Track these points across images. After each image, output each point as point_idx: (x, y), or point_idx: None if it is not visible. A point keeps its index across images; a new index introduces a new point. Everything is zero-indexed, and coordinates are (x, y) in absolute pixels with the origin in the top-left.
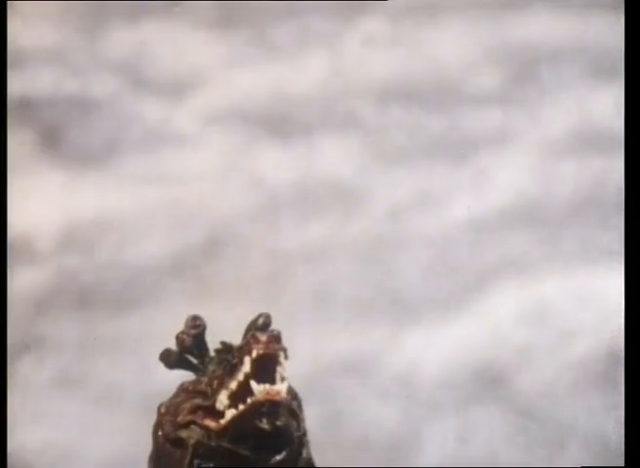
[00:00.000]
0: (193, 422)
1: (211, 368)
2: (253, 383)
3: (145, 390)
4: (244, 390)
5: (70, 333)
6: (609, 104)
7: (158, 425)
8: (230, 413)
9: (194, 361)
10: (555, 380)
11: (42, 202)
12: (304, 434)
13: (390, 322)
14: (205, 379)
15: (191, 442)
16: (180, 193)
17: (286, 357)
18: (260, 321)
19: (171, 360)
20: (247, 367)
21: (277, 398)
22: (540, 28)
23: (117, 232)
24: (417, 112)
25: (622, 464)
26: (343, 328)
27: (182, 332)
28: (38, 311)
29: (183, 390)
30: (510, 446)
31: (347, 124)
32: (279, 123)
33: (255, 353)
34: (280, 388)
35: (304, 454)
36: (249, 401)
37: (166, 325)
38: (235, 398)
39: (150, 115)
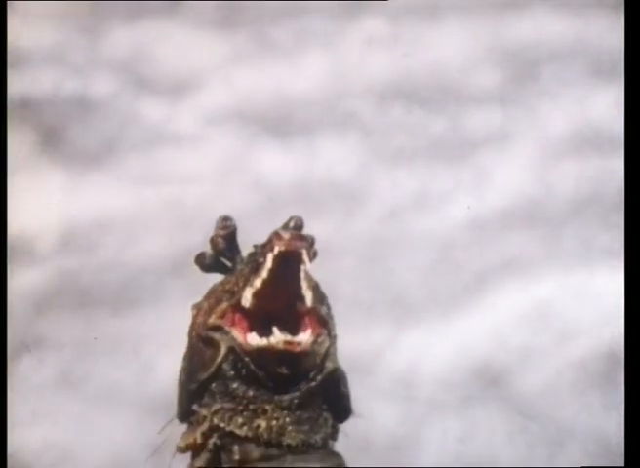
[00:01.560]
0: (221, 328)
1: (239, 267)
2: (275, 330)
3: (145, 390)
4: (269, 288)
5: (70, 333)
6: (609, 104)
7: (192, 326)
8: (255, 341)
9: (228, 264)
10: (555, 380)
11: (42, 202)
12: (334, 341)
13: (390, 322)
14: (233, 279)
15: (225, 345)
16: (179, 193)
17: (310, 255)
18: (292, 224)
19: (206, 262)
20: (269, 263)
21: (297, 349)
22: (540, 28)
23: (117, 232)
24: (417, 112)
25: (622, 464)
26: (343, 328)
27: (215, 235)
28: (38, 311)
29: (213, 291)
30: (510, 445)
31: (347, 124)
32: (279, 123)
33: (276, 249)
34: (301, 339)
35: (328, 364)
36: (272, 340)
37: (166, 325)
38: (260, 296)
39: (150, 115)
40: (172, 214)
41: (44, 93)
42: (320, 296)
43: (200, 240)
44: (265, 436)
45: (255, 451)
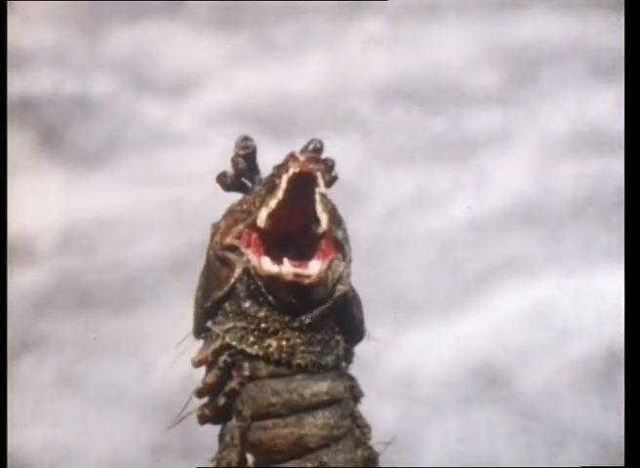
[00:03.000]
0: (237, 248)
1: (257, 188)
2: (286, 261)
3: (145, 390)
4: (284, 209)
5: (70, 333)
6: (609, 104)
7: (209, 244)
8: (267, 266)
9: (248, 183)
10: (555, 380)
11: (42, 202)
12: (348, 265)
13: (390, 322)
14: (250, 199)
15: (240, 266)
16: (180, 193)
17: (325, 178)
18: (311, 146)
19: (227, 182)
20: (284, 184)
21: (306, 282)
22: (540, 28)
23: (117, 232)
24: (417, 112)
25: (622, 464)
26: None
27: (236, 155)
28: (38, 311)
29: (231, 211)
30: (510, 445)
31: (347, 124)
32: (279, 123)
33: (291, 171)
34: (311, 272)
35: (339, 287)
36: (283, 269)
37: (166, 325)
38: (275, 217)
39: (150, 115)
40: (172, 214)
41: (44, 93)
42: (337, 219)
43: (200, 240)
44: (276, 355)
45: (264, 369)
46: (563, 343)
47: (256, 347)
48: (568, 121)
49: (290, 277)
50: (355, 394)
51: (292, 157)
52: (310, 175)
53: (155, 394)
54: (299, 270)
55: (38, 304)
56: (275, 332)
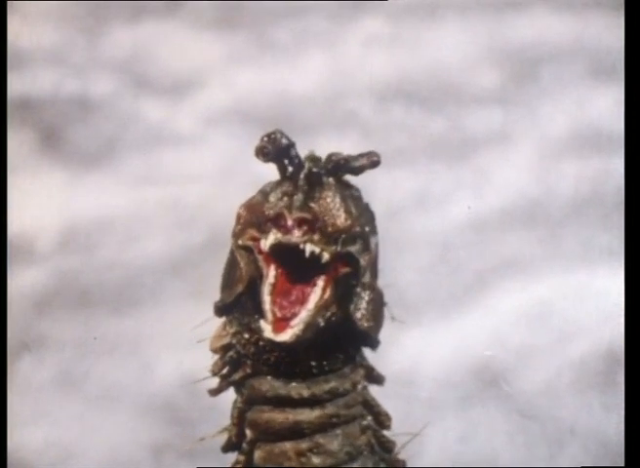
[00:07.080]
0: (251, 250)
1: (277, 192)
2: (262, 322)
3: (145, 390)
4: (279, 251)
5: (70, 333)
6: (609, 104)
7: (234, 227)
8: (266, 292)
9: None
10: (555, 380)
11: (42, 202)
12: (364, 273)
13: (390, 322)
14: (268, 205)
15: (247, 277)
16: (180, 193)
17: (314, 241)
18: (369, 158)
19: (263, 158)
20: (267, 246)
21: (282, 345)
22: (540, 28)
23: (117, 232)
24: (417, 112)
25: (622, 464)
26: None
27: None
28: (38, 311)
29: (256, 203)
30: (510, 445)
31: (347, 124)
32: (279, 123)
33: (272, 238)
34: (285, 338)
35: (340, 308)
36: (262, 322)
37: (166, 325)
38: (275, 252)
39: (150, 115)
40: (172, 214)
41: (44, 93)
42: (354, 235)
43: (200, 240)
44: (274, 367)
45: (265, 369)
46: (563, 343)
47: (256, 357)
48: (568, 121)
49: (266, 336)
50: (374, 379)
51: (282, 218)
52: (295, 246)
53: (155, 394)
54: (272, 336)
55: (38, 304)
56: (272, 350)
